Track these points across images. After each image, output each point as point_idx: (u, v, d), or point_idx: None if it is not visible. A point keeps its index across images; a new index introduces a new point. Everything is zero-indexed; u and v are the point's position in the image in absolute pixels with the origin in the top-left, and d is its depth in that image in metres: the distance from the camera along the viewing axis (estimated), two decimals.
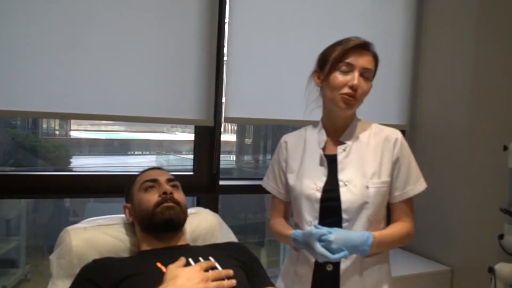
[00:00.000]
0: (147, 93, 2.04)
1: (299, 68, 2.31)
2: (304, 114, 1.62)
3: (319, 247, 1.36)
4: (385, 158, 1.52)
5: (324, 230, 1.39)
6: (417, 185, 1.55)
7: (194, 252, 1.42)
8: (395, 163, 1.53)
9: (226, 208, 3.90)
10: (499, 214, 2.11)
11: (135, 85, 2.01)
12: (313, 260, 1.53)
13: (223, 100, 2.22)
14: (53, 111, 1.90)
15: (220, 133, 2.24)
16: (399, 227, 1.53)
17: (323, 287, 1.54)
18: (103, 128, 4.91)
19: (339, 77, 1.48)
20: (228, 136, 5.12)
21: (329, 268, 1.51)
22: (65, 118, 2.95)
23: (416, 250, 2.67)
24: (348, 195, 1.49)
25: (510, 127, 2.26)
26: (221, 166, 2.27)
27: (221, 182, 2.25)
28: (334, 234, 1.37)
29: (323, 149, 1.58)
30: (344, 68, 1.48)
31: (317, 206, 1.52)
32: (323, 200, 1.51)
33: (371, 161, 1.52)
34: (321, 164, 1.56)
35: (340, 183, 1.51)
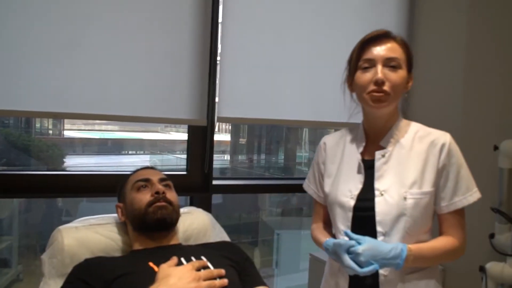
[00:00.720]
0: (140, 92, 2.04)
1: (292, 68, 2.33)
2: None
3: (347, 259, 1.26)
4: (429, 166, 1.38)
5: (353, 241, 1.29)
6: (467, 195, 1.40)
7: (186, 252, 1.42)
8: (441, 171, 1.38)
9: (220, 208, 3.91)
10: (490, 214, 2.13)
11: (128, 85, 2.01)
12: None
13: (216, 100, 2.22)
14: (46, 111, 1.89)
15: (213, 133, 2.24)
16: (443, 242, 1.39)
17: None
18: (97, 127, 4.90)
19: (361, 76, 1.38)
20: (222, 135, 5.11)
21: (367, 280, 1.37)
22: (58, 117, 2.94)
23: None
24: (383, 205, 1.36)
25: (501, 127, 2.28)
26: (215, 166, 2.27)
27: (214, 182, 2.25)
28: (363, 246, 1.26)
29: (362, 154, 1.46)
30: (365, 65, 1.38)
31: (350, 215, 1.40)
32: (356, 209, 1.39)
33: (412, 168, 1.37)
34: (359, 171, 1.44)
35: (376, 192, 1.38)
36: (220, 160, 4.85)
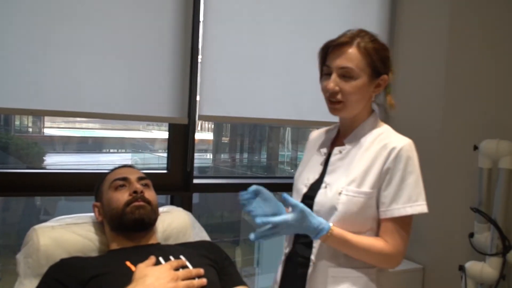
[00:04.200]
0: (121, 90, 2.01)
1: (274, 67, 2.32)
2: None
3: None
4: (374, 167, 1.37)
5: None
6: (407, 205, 1.35)
7: (165, 251, 1.40)
8: (385, 175, 1.36)
9: (202, 207, 3.89)
10: (470, 213, 2.15)
11: (108, 82, 1.98)
12: (288, 249, 1.50)
13: (198, 98, 2.20)
14: (24, 108, 1.86)
15: (194, 131, 2.22)
16: (372, 240, 1.37)
17: (293, 285, 1.48)
18: (77, 125, 4.84)
19: (322, 81, 1.42)
20: (205, 134, 5.09)
21: (302, 271, 1.43)
22: (35, 114, 2.91)
23: None
24: (322, 197, 1.41)
25: (481, 127, 2.30)
26: (197, 165, 2.26)
27: (195, 181, 2.24)
28: (293, 216, 1.28)
29: (331, 148, 1.51)
30: (326, 70, 1.41)
31: (300, 200, 1.45)
32: (305, 196, 1.46)
33: (358, 167, 1.39)
34: (320, 163, 1.50)
35: (322, 185, 1.43)
36: (203, 159, 4.83)
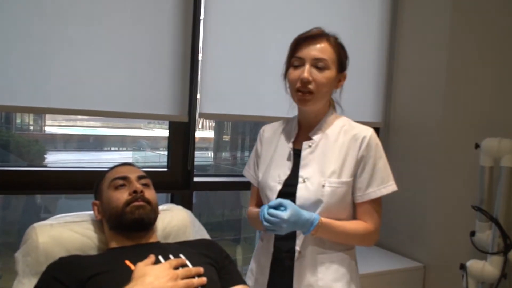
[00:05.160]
0: (121, 88, 2.01)
1: (274, 65, 2.29)
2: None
3: (271, 211, 1.37)
4: (349, 157, 1.48)
5: (279, 200, 1.41)
6: (381, 187, 1.49)
7: (165, 250, 1.39)
8: (359, 162, 1.48)
9: (203, 205, 3.88)
10: (471, 211, 2.14)
11: (109, 80, 1.98)
12: (271, 250, 1.55)
13: (198, 96, 2.20)
14: (24, 105, 1.86)
15: (194, 129, 2.21)
16: (355, 223, 1.50)
17: (281, 278, 1.53)
18: (78, 123, 4.83)
19: (292, 73, 1.48)
20: (206, 132, 5.08)
21: (286, 262, 1.52)
22: (36, 112, 2.90)
23: (389, 247, 2.68)
24: (303, 191, 1.47)
25: (482, 125, 2.29)
26: (198, 163, 2.25)
27: (196, 179, 2.23)
28: (288, 211, 1.36)
29: (295, 143, 1.57)
30: (296, 62, 1.47)
31: (275, 198, 1.50)
32: (282, 193, 1.50)
33: (334, 159, 1.48)
34: (288, 159, 1.55)
35: (300, 179, 1.49)
36: (204, 157, 4.82)
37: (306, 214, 1.40)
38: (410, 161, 2.56)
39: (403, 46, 2.67)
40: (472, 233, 2.16)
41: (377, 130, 2.77)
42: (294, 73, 1.47)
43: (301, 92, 1.46)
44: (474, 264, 2.09)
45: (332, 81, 1.47)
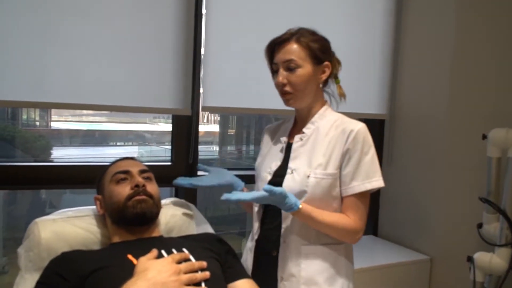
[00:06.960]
0: (124, 82, 2.00)
1: None
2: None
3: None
4: (336, 150, 1.49)
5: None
6: (366, 182, 1.47)
7: (167, 244, 1.38)
8: (345, 155, 1.48)
9: (208, 199, 3.87)
10: (478, 203, 2.12)
11: (112, 74, 1.97)
12: (256, 238, 1.60)
13: (201, 89, 2.18)
14: (29, 100, 1.86)
15: (197, 123, 2.20)
16: (337, 215, 1.48)
17: (266, 267, 1.57)
18: (84, 119, 4.84)
19: (274, 78, 1.56)
20: (211, 126, 5.08)
21: (274, 253, 1.55)
22: (40, 107, 2.90)
23: (396, 239, 2.67)
24: (289, 182, 1.50)
25: (489, 116, 2.26)
26: (203, 157, 2.24)
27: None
28: (281, 188, 1.38)
29: (289, 137, 1.63)
30: (275, 67, 1.55)
31: None
32: (271, 183, 1.51)
33: (322, 152, 1.50)
34: (281, 151, 1.61)
35: (288, 170, 1.53)
36: (209, 151, 4.82)
37: (292, 198, 1.42)
38: (416, 153, 2.53)
39: (408, 38, 2.64)
40: (480, 225, 2.15)
41: (382, 122, 2.75)
42: (274, 79, 1.55)
43: (283, 94, 1.54)
44: (481, 256, 2.07)
45: (308, 77, 1.51)
